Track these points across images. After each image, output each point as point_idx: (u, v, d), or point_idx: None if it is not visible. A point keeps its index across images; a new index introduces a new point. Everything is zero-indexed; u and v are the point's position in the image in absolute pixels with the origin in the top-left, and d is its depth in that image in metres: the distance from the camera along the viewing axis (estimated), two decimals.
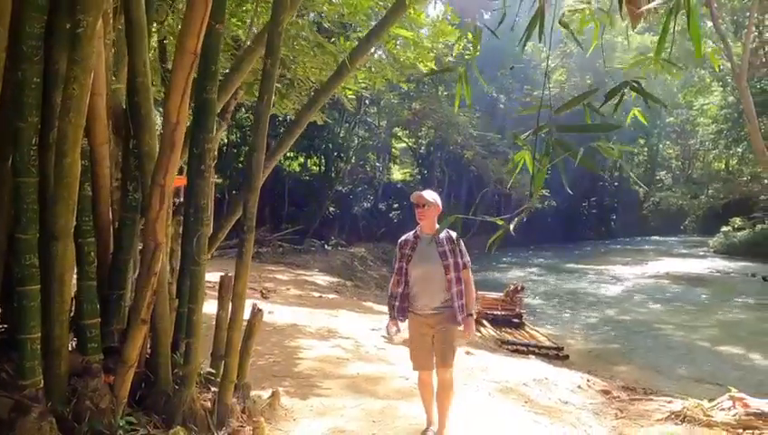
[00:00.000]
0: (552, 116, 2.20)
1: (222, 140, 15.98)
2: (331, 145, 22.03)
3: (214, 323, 3.90)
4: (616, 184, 38.36)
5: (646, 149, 41.26)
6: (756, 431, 4.18)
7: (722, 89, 25.04)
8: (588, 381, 7.26)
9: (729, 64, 18.95)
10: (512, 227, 1.99)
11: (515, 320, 11.43)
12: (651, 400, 5.88)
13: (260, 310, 3.82)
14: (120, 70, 3.15)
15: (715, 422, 4.44)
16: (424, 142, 27.33)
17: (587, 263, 23.90)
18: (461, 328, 3.82)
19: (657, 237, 34.81)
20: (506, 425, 4.36)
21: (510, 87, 24.94)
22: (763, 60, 22.42)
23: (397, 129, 25.29)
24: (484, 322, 11.19)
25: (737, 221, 26.73)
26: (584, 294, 16.93)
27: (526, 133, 2.19)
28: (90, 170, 3.01)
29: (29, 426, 2.60)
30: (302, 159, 23.45)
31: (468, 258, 3.91)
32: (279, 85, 6.28)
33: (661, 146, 41.97)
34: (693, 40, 2.16)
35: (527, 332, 11.02)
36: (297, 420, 4.12)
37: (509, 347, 9.57)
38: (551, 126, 2.12)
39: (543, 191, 25.93)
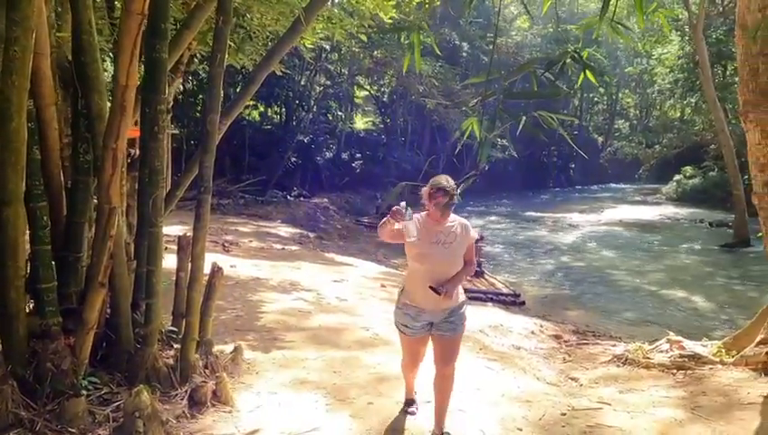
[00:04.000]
0: (500, 82, 2.26)
1: (177, 88, 15.46)
2: (291, 94, 21.57)
3: (174, 279, 3.95)
4: (576, 132, 38.98)
5: (605, 97, 41.79)
6: (689, 371, 4.53)
7: (680, 38, 25.33)
8: (540, 326, 7.64)
9: (687, 14, 19.21)
10: (458, 192, 2.07)
11: (475, 269, 11.76)
12: (597, 343, 6.25)
13: (220, 269, 3.87)
14: (63, 28, 3.03)
15: (653, 364, 4.78)
16: (386, 91, 27.01)
17: (546, 211, 24.50)
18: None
19: (613, 185, 35.84)
20: (460, 372, 4.58)
21: (473, 35, 24.69)
22: (720, 9, 22.71)
23: (359, 77, 24.86)
24: None
25: (689, 169, 27.66)
26: (542, 242, 17.45)
27: (475, 100, 2.25)
28: (37, 133, 2.94)
29: None
30: (262, 108, 22.93)
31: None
32: (234, 36, 6.10)
33: (620, 95, 42.56)
34: (636, 8, 2.23)
35: (486, 280, 11.37)
36: (260, 372, 4.25)
37: (468, 295, 9.82)
38: (498, 93, 2.18)
39: (503, 141, 26.21)
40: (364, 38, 9.03)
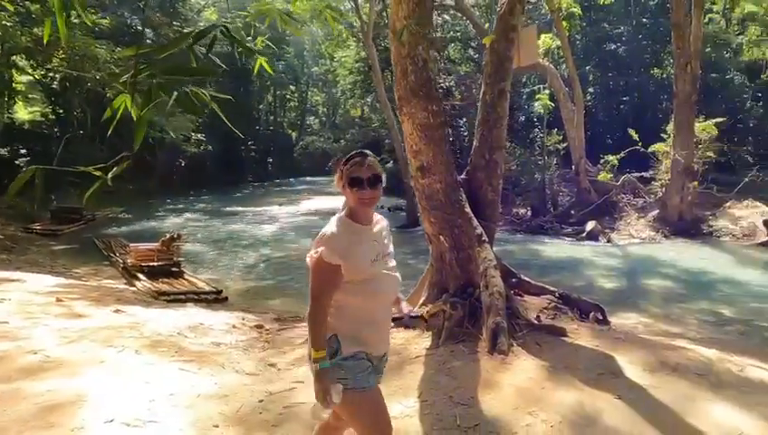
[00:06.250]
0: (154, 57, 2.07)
1: None
2: None
3: None
4: (271, 128, 40.25)
5: (296, 95, 44.13)
6: None
7: (356, 44, 28.24)
8: (242, 319, 7.60)
9: (359, 22, 21.47)
10: (109, 176, 1.83)
11: (174, 269, 11.15)
12: (295, 327, 6.50)
13: None
14: None
15: None
16: (57, 77, 23.37)
17: (246, 205, 24.69)
18: None
19: (308, 178, 38.16)
20: (149, 380, 4.23)
21: (158, 21, 23.15)
22: (386, 21, 26.05)
23: (17, 58, 20.87)
24: (140, 275, 10.60)
25: None
26: (243, 236, 17.52)
27: (125, 76, 2.01)
28: None
29: None
30: None
31: None
32: None
33: (310, 93, 45.50)
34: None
35: (186, 280, 10.87)
36: None
37: (166, 298, 9.29)
38: (153, 69, 1.99)
39: (199, 136, 25.45)
40: (10, 7, 7.53)
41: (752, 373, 4.20)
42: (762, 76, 21.91)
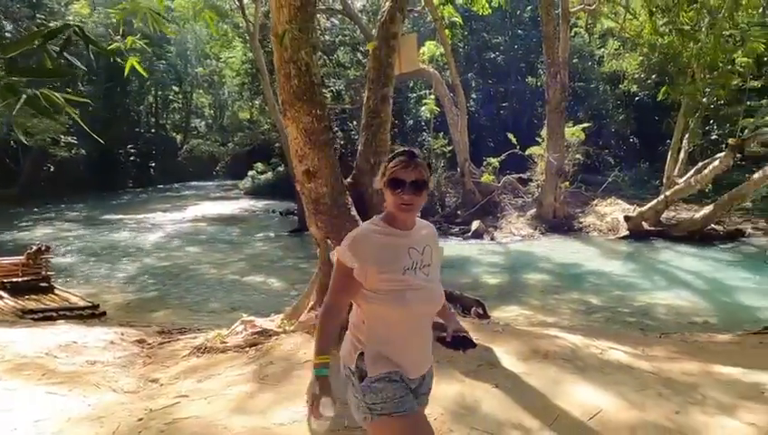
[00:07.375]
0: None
1: None
2: None
3: None
4: (153, 131, 38.11)
5: (180, 96, 42.15)
6: (259, 346, 4.95)
7: (242, 44, 27.50)
8: (122, 334, 7.13)
9: (245, 23, 20.94)
10: None
11: (42, 284, 10.22)
12: (179, 339, 6.23)
13: None
14: None
15: (229, 347, 5.04)
16: None
17: (126, 212, 23.18)
18: None
19: (195, 183, 36.55)
20: (11, 407, 3.85)
21: (18, 12, 21.09)
22: (270, 23, 25.61)
23: None
24: (1, 292, 9.60)
25: (260, 165, 30.54)
26: (123, 246, 16.45)
27: None
28: None
29: None
30: None
31: None
32: None
33: (195, 95, 43.64)
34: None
35: (57, 295, 10.01)
36: None
37: (34, 317, 8.51)
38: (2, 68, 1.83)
39: (70, 138, 23.48)
40: None
41: (612, 356, 4.64)
42: (620, 85, 24.21)
